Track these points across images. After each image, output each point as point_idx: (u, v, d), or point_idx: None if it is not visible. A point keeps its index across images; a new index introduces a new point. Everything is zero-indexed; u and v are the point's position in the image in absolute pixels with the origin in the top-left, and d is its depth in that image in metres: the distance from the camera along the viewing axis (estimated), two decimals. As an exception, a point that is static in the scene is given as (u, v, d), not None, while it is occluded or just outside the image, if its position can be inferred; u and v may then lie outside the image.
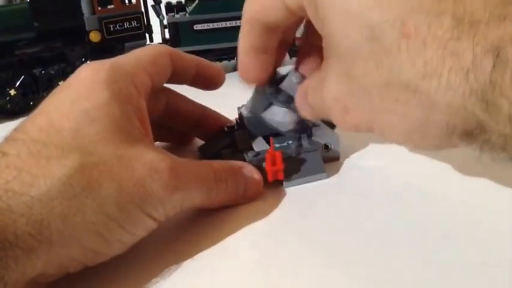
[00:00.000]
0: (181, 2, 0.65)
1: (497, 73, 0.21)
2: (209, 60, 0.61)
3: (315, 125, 0.39)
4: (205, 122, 0.42)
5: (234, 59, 0.65)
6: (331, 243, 0.31)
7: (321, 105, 0.30)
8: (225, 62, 0.65)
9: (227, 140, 0.41)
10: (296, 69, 0.36)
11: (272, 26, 0.31)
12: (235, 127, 0.41)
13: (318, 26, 0.28)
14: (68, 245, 0.26)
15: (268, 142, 0.38)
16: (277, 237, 0.32)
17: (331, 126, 0.39)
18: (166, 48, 0.37)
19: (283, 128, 0.38)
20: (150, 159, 0.29)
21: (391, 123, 0.26)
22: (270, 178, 0.36)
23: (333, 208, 0.34)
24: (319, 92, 0.30)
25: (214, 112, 0.43)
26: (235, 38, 0.61)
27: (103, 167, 0.27)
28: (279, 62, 0.37)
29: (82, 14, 0.57)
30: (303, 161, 0.38)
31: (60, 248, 0.25)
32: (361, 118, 0.28)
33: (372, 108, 0.26)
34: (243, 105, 0.41)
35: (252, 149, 0.38)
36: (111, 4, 0.59)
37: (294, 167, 0.37)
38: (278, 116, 0.37)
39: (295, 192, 0.36)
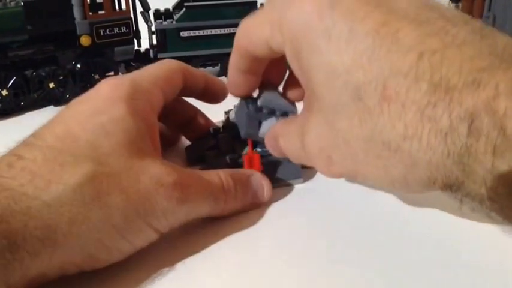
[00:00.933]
0: (169, 9, 0.67)
1: (472, 139, 0.21)
2: (194, 66, 0.64)
3: None
4: (196, 123, 0.44)
5: (218, 65, 0.67)
6: (303, 246, 0.32)
7: (299, 153, 0.32)
8: (209, 68, 0.68)
9: (212, 142, 0.42)
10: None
11: (259, 57, 0.33)
12: (221, 130, 0.43)
13: (299, 76, 0.29)
14: (71, 250, 0.26)
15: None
16: (252, 241, 0.33)
17: None
18: (179, 64, 0.39)
19: None
20: (156, 173, 0.30)
21: (374, 174, 0.26)
22: None
23: (306, 212, 0.36)
24: (298, 141, 0.31)
25: (205, 115, 0.44)
26: (219, 45, 0.65)
27: (113, 178, 0.28)
28: (278, 80, 0.38)
29: (74, 19, 0.59)
30: (281, 165, 0.39)
31: (63, 253, 0.26)
32: (345, 169, 0.28)
33: (355, 161, 0.27)
34: (230, 110, 0.43)
35: (234, 151, 0.40)
36: (102, 10, 0.61)
37: (272, 171, 0.39)
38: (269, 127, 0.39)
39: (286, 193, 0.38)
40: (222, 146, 0.42)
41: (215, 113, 0.45)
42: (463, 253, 0.31)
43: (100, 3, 0.61)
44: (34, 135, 0.30)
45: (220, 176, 0.34)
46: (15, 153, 0.28)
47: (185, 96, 0.42)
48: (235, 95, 0.38)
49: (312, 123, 0.29)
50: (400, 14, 0.24)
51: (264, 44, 0.30)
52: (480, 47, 0.22)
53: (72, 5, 0.59)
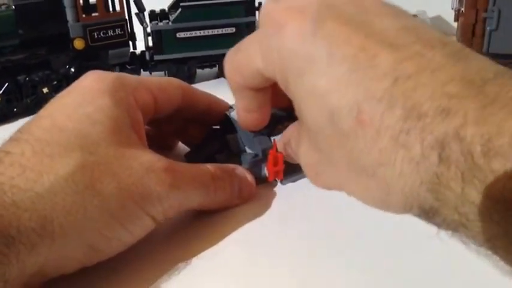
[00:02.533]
0: (164, 10, 0.65)
1: (443, 167, 0.21)
2: (191, 67, 0.63)
3: None
4: (192, 126, 0.43)
5: (215, 66, 0.66)
6: (323, 240, 0.33)
7: (298, 160, 0.32)
8: (206, 70, 0.66)
9: (217, 144, 0.41)
10: None
11: (259, 87, 0.32)
12: (223, 130, 0.42)
13: (290, 97, 0.29)
14: (70, 241, 0.26)
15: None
16: (273, 236, 0.34)
17: None
18: (179, 81, 0.39)
19: None
20: (147, 159, 0.30)
21: (358, 192, 0.26)
22: (271, 178, 0.38)
23: (325, 205, 0.36)
24: (296, 151, 0.32)
25: (201, 115, 0.42)
26: (217, 46, 0.63)
27: (104, 166, 0.28)
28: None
29: (66, 21, 0.57)
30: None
31: (61, 245, 0.26)
32: (331, 183, 0.29)
33: (339, 178, 0.27)
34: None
35: (245, 151, 0.39)
36: (95, 12, 0.59)
37: (292, 166, 0.38)
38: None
39: (291, 190, 0.39)
40: (232, 147, 0.40)
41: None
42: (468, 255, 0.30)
43: (93, 5, 0.59)
44: (20, 130, 0.30)
45: (208, 166, 0.35)
46: (2, 150, 0.28)
47: (188, 116, 0.41)
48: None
49: (302, 138, 0.30)
50: (378, 37, 0.24)
51: (258, 76, 0.30)
52: (453, 72, 0.22)
53: (64, 7, 0.57)
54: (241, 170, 0.37)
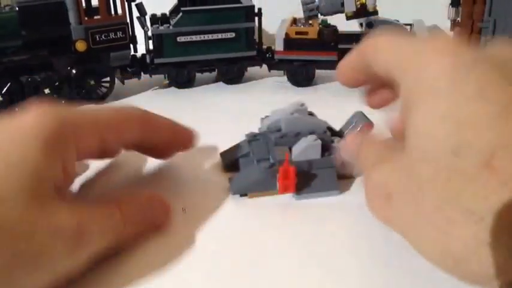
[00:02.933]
0: (165, 14, 0.66)
1: None
2: (190, 71, 0.64)
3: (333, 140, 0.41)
4: (179, 139, 0.41)
5: (215, 70, 0.67)
6: (333, 263, 0.32)
7: (364, 168, 0.31)
8: (206, 74, 0.67)
9: (246, 148, 0.43)
10: None
11: (371, 71, 0.32)
12: (256, 136, 0.43)
13: (402, 104, 0.28)
14: None
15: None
16: (282, 249, 0.33)
17: None
18: (137, 114, 0.36)
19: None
20: (55, 221, 0.27)
21: (429, 237, 0.25)
22: (281, 191, 0.38)
23: (338, 225, 0.36)
24: (371, 160, 0.30)
25: (164, 146, 0.41)
26: (216, 50, 0.64)
27: (4, 231, 0.26)
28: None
29: (69, 24, 0.58)
30: (316, 176, 0.39)
31: None
32: (398, 214, 0.27)
33: (416, 212, 0.25)
34: (266, 116, 0.44)
35: (268, 159, 0.40)
36: (97, 15, 0.60)
37: (307, 182, 0.39)
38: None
39: (306, 205, 0.38)
40: (254, 154, 0.41)
41: (219, 118, 0.46)
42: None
43: (96, 8, 0.60)
44: None
45: (120, 206, 0.32)
46: None
47: (148, 144, 0.39)
48: (342, 83, 0.35)
49: (392, 157, 0.29)
50: None
51: (383, 69, 0.30)
52: None
53: (67, 10, 0.58)
54: (155, 200, 0.35)
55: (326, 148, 0.40)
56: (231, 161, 0.43)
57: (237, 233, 0.35)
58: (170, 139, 0.39)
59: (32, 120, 0.29)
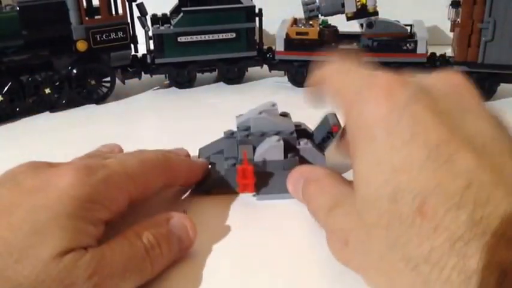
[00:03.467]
0: (166, 14, 0.66)
1: None
2: (191, 71, 0.64)
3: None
4: (195, 175, 0.41)
5: (215, 70, 0.67)
6: (289, 268, 0.32)
7: (320, 215, 0.31)
8: (206, 74, 0.67)
9: (221, 146, 0.43)
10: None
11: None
12: (234, 134, 0.43)
13: (351, 154, 0.28)
14: None
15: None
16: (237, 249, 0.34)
17: (321, 149, 0.41)
18: (161, 159, 0.36)
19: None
20: (71, 277, 0.27)
21: (380, 283, 0.25)
22: (240, 190, 0.39)
23: (295, 228, 0.36)
24: (326, 205, 0.31)
25: (198, 163, 0.41)
26: (217, 50, 0.64)
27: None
28: None
29: (70, 24, 0.58)
30: (276, 178, 0.39)
31: None
32: (354, 258, 0.28)
33: (368, 257, 0.26)
34: (240, 114, 0.44)
35: (236, 157, 0.40)
36: (98, 15, 0.60)
37: (269, 183, 0.39)
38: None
39: (265, 206, 0.38)
40: (225, 152, 0.42)
41: (219, 117, 0.46)
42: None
43: (96, 8, 0.60)
44: None
45: (142, 239, 0.30)
46: None
47: (170, 186, 0.39)
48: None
49: (344, 202, 0.30)
50: (466, 138, 0.24)
51: (332, 100, 0.31)
52: None
53: (68, 10, 0.58)
54: (177, 220, 0.33)
55: (290, 149, 0.40)
56: (204, 156, 0.43)
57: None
58: (188, 178, 0.40)
59: (63, 185, 0.29)
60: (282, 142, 0.39)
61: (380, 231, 0.24)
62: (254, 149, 0.40)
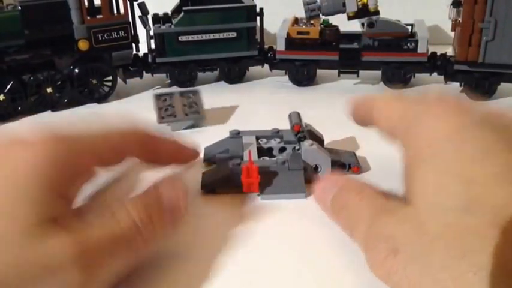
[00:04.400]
0: (167, 13, 0.66)
1: None
2: (192, 70, 0.64)
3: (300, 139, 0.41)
4: (180, 158, 0.38)
5: (216, 70, 0.67)
6: (298, 270, 0.32)
7: (356, 228, 0.30)
8: (207, 73, 0.67)
9: (226, 145, 0.44)
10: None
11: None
12: (239, 134, 0.44)
13: (406, 171, 0.28)
14: None
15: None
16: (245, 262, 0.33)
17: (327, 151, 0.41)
18: (136, 134, 0.34)
19: None
20: (55, 256, 0.26)
21: None
22: (245, 189, 0.39)
23: (304, 230, 0.35)
24: (367, 215, 0.29)
25: (188, 147, 0.39)
26: (218, 50, 0.64)
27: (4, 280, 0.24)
28: None
29: (71, 23, 0.58)
30: (283, 178, 0.40)
31: None
32: (404, 271, 0.25)
33: (422, 270, 0.24)
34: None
35: (241, 157, 0.41)
36: (99, 14, 0.60)
37: (273, 182, 0.39)
38: None
39: (269, 206, 0.38)
40: (230, 151, 0.42)
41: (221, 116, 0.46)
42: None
43: (98, 8, 0.60)
44: None
45: (132, 216, 0.29)
46: None
47: (149, 162, 0.36)
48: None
49: (395, 212, 0.28)
50: None
51: (385, 128, 0.32)
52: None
53: (69, 9, 0.58)
54: (168, 190, 0.32)
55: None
56: (210, 156, 0.44)
57: (193, 228, 0.36)
58: (170, 159, 0.37)
59: (25, 154, 0.28)
60: (315, 146, 0.40)
61: (446, 242, 0.24)
62: (259, 149, 0.41)
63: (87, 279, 0.27)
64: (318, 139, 0.42)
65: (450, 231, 0.24)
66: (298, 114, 0.43)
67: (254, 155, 0.40)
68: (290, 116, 0.43)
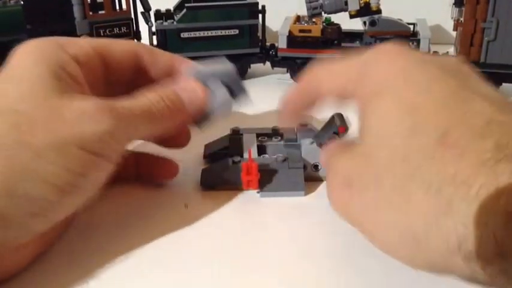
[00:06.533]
0: (169, 10, 0.67)
1: None
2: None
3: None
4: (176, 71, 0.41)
5: (218, 67, 0.67)
6: (297, 269, 0.32)
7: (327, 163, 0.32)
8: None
9: (226, 142, 0.43)
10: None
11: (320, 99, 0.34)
12: (240, 132, 0.44)
13: (359, 114, 0.29)
14: (13, 196, 0.27)
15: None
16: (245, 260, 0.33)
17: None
18: (132, 43, 0.38)
19: None
20: (78, 105, 0.30)
21: (389, 220, 0.25)
22: (245, 186, 0.39)
23: (304, 228, 0.36)
24: (331, 151, 0.32)
25: (164, 76, 0.40)
26: (220, 46, 0.64)
27: (33, 121, 0.28)
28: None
29: (74, 18, 0.59)
30: (282, 176, 0.40)
31: (8, 200, 0.27)
32: (358, 201, 0.27)
33: (375, 197, 0.25)
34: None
35: (241, 155, 0.41)
36: (102, 10, 0.60)
37: (273, 179, 0.40)
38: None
39: (269, 204, 0.38)
40: (230, 148, 0.42)
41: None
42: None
43: (100, 3, 0.60)
44: None
45: (146, 95, 0.34)
46: None
47: (146, 82, 0.38)
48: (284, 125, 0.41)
49: (349, 149, 0.30)
50: (476, 91, 0.25)
51: (336, 91, 0.32)
52: None
53: (72, 5, 0.58)
54: (184, 83, 0.37)
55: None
56: (209, 153, 0.44)
57: (192, 224, 0.36)
58: (169, 69, 0.39)
59: (23, 48, 0.33)
60: (315, 144, 0.40)
61: (394, 165, 0.25)
62: (259, 147, 0.41)
63: (117, 129, 0.30)
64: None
65: (396, 155, 0.25)
66: (342, 116, 0.42)
67: (254, 153, 0.40)
68: (334, 117, 0.42)
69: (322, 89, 0.33)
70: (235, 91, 0.39)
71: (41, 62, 0.31)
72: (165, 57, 0.40)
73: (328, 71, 0.33)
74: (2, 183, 0.26)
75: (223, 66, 0.40)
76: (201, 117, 0.37)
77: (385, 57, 0.28)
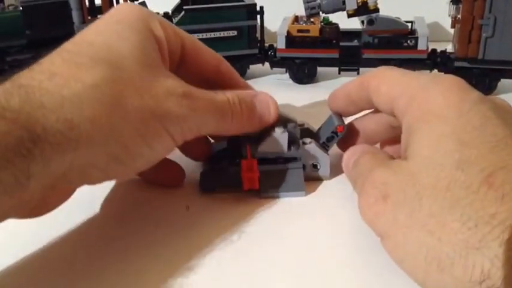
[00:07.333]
0: (168, 13, 0.67)
1: None
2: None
3: (304, 142, 0.41)
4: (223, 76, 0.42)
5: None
6: (298, 269, 0.32)
7: (356, 173, 0.33)
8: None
9: (225, 144, 0.43)
10: None
11: (369, 104, 0.36)
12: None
13: (405, 135, 0.31)
14: (94, 148, 0.27)
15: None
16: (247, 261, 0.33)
17: (325, 149, 0.41)
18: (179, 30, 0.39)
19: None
20: (169, 84, 0.32)
21: (417, 241, 0.26)
22: (246, 186, 0.38)
23: (304, 229, 0.36)
24: (367, 168, 0.32)
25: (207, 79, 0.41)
26: (219, 48, 0.63)
27: (129, 82, 0.30)
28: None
29: (72, 23, 0.59)
30: (283, 175, 0.40)
31: (86, 150, 0.27)
32: (391, 214, 0.27)
33: (411, 215, 0.26)
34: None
35: (241, 156, 0.40)
36: (101, 14, 0.61)
37: (273, 180, 0.39)
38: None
39: (269, 205, 0.38)
40: (229, 148, 0.42)
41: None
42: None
43: (99, 7, 0.61)
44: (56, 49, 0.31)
45: (226, 93, 0.35)
46: (36, 63, 0.30)
47: (191, 74, 0.38)
48: (332, 108, 0.41)
49: (392, 163, 0.31)
50: None
51: (385, 99, 0.34)
52: None
53: (71, 9, 0.58)
54: (262, 97, 0.38)
55: (293, 143, 0.40)
56: (212, 153, 0.43)
57: (193, 227, 0.36)
58: (215, 70, 0.40)
59: (125, 6, 0.35)
60: (286, 133, 0.39)
61: (436, 192, 0.26)
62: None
63: (193, 118, 0.32)
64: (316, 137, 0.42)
65: (440, 183, 0.26)
66: (340, 115, 0.42)
67: (253, 149, 0.40)
68: (332, 117, 0.42)
69: (377, 91, 0.35)
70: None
71: (145, 30, 0.33)
72: (212, 57, 0.40)
73: (391, 76, 0.34)
74: (87, 134, 0.27)
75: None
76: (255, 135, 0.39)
77: (444, 88, 0.29)
